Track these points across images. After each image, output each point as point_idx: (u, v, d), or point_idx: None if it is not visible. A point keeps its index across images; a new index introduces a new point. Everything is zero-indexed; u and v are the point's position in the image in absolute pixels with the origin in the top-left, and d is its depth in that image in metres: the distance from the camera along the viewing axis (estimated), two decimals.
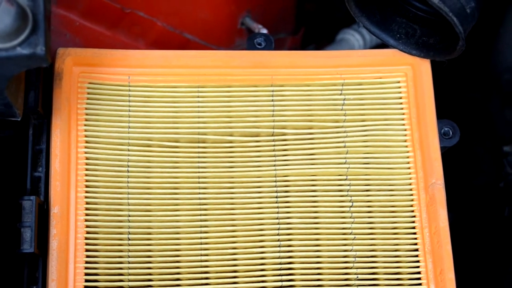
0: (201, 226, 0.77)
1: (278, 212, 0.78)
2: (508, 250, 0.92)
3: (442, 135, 0.81)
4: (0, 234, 0.77)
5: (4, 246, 0.76)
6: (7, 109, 0.69)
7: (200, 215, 0.77)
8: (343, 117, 0.81)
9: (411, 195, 0.79)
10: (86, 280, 0.75)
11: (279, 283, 0.76)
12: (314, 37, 1.19)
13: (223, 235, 0.77)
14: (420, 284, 0.77)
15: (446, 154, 0.81)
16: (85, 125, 0.78)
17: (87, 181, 0.77)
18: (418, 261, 0.78)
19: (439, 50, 0.81)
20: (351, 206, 0.79)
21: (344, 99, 0.82)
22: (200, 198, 0.78)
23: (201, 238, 0.77)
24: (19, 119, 0.72)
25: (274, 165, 0.79)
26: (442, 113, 0.83)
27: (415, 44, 0.82)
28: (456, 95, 1.02)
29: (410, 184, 0.80)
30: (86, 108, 0.79)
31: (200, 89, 0.81)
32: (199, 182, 0.78)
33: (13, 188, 0.78)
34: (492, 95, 1.00)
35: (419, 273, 0.77)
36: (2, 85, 0.66)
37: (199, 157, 0.79)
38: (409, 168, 0.80)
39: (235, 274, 0.76)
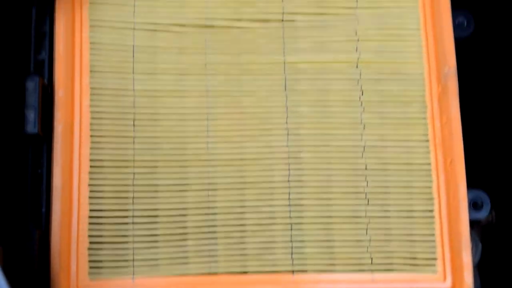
0: (207, 113, 0.76)
1: (287, 100, 0.77)
2: None
3: (456, 25, 0.79)
4: (5, 117, 0.76)
5: (9, 128, 0.75)
6: None
7: (207, 101, 0.76)
8: (355, 4, 0.79)
9: (423, 84, 0.78)
10: (91, 166, 0.74)
11: (287, 172, 0.76)
12: None
13: (230, 123, 0.76)
14: (430, 175, 0.76)
15: None
16: (90, 8, 0.77)
17: (91, 65, 0.76)
18: (428, 152, 0.77)
19: None
20: (361, 95, 0.77)
21: None
22: (207, 85, 0.76)
23: (207, 125, 0.76)
24: None
25: (283, 53, 0.78)
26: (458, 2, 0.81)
27: None
28: None
29: (422, 74, 0.78)
30: None
31: None
32: (206, 68, 0.77)
33: (17, 70, 0.77)
34: None
35: (429, 164, 0.76)
36: None
37: (206, 42, 0.77)
38: (421, 57, 0.78)
39: (243, 162, 0.76)
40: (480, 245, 0.78)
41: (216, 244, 0.74)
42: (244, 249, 0.74)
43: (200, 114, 0.76)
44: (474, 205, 0.76)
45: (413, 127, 0.77)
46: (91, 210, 0.74)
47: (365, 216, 0.76)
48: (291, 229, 0.75)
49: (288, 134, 0.76)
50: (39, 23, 0.76)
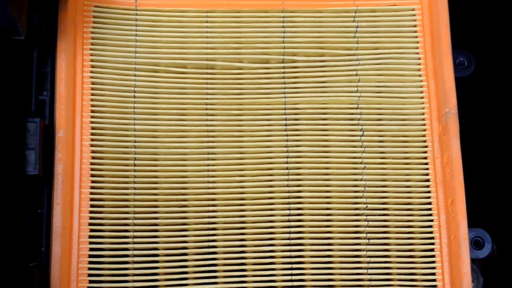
0: (208, 153, 0.76)
1: (287, 140, 0.77)
2: None
3: (457, 65, 0.79)
4: (6, 157, 0.76)
5: (10, 169, 0.75)
6: (10, 26, 0.67)
7: (208, 141, 0.76)
8: (356, 45, 0.79)
9: (424, 124, 0.78)
10: (92, 206, 0.74)
11: (287, 211, 0.75)
12: None
13: (231, 163, 0.76)
14: (430, 215, 0.76)
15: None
16: (91, 49, 0.77)
17: (92, 106, 0.76)
18: (429, 192, 0.76)
19: None
20: (362, 135, 0.77)
21: (357, 26, 0.80)
22: (207, 125, 0.77)
23: (208, 165, 0.76)
24: (22, 38, 0.70)
25: (284, 93, 0.78)
26: (458, 42, 0.81)
27: None
28: (473, 24, 0.99)
29: (423, 114, 0.78)
30: (92, 32, 0.78)
31: (208, 14, 0.79)
32: (206, 109, 0.77)
33: (18, 110, 0.77)
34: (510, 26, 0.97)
35: (429, 203, 0.76)
36: None
37: (207, 83, 0.78)
38: (422, 97, 0.78)
39: (243, 202, 0.76)
40: (481, 279, 0.77)
41: (216, 283, 0.74)
42: None
43: (200, 154, 0.76)
44: (475, 244, 0.76)
45: (414, 167, 0.77)
46: (91, 250, 0.74)
47: (366, 256, 0.75)
48: (291, 269, 0.75)
49: (288, 174, 0.76)
50: (40, 63, 0.76)
